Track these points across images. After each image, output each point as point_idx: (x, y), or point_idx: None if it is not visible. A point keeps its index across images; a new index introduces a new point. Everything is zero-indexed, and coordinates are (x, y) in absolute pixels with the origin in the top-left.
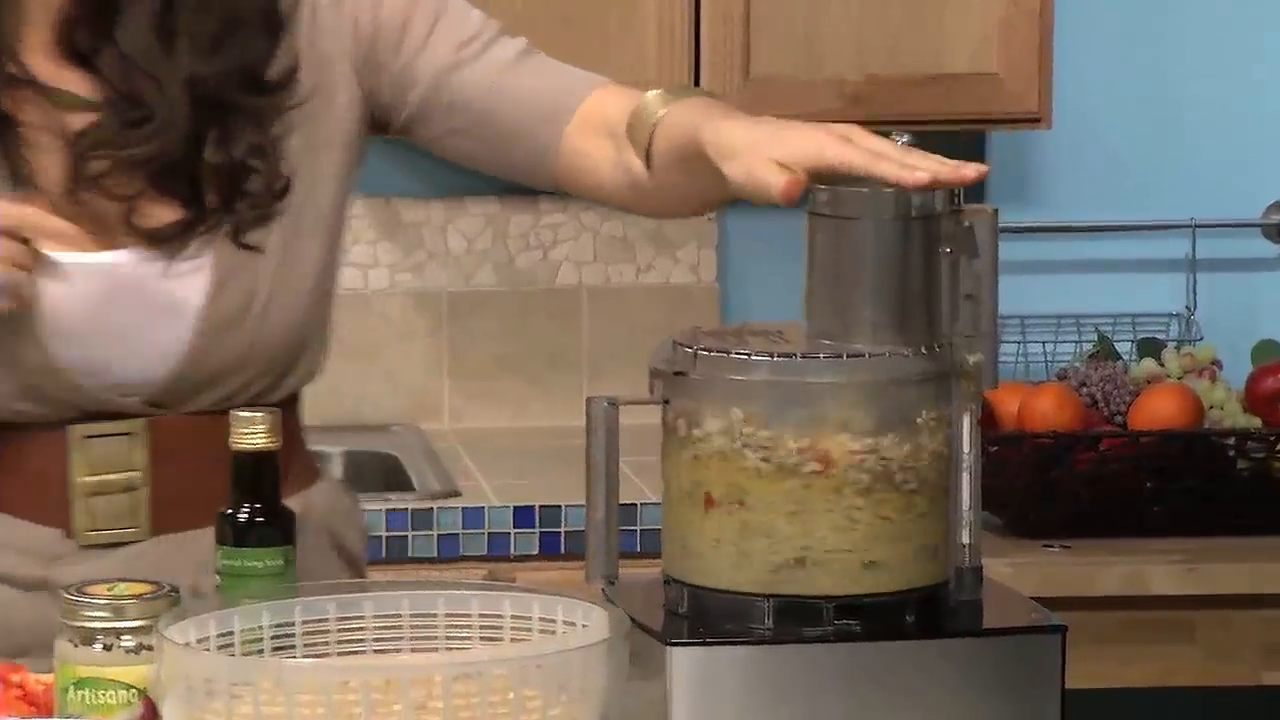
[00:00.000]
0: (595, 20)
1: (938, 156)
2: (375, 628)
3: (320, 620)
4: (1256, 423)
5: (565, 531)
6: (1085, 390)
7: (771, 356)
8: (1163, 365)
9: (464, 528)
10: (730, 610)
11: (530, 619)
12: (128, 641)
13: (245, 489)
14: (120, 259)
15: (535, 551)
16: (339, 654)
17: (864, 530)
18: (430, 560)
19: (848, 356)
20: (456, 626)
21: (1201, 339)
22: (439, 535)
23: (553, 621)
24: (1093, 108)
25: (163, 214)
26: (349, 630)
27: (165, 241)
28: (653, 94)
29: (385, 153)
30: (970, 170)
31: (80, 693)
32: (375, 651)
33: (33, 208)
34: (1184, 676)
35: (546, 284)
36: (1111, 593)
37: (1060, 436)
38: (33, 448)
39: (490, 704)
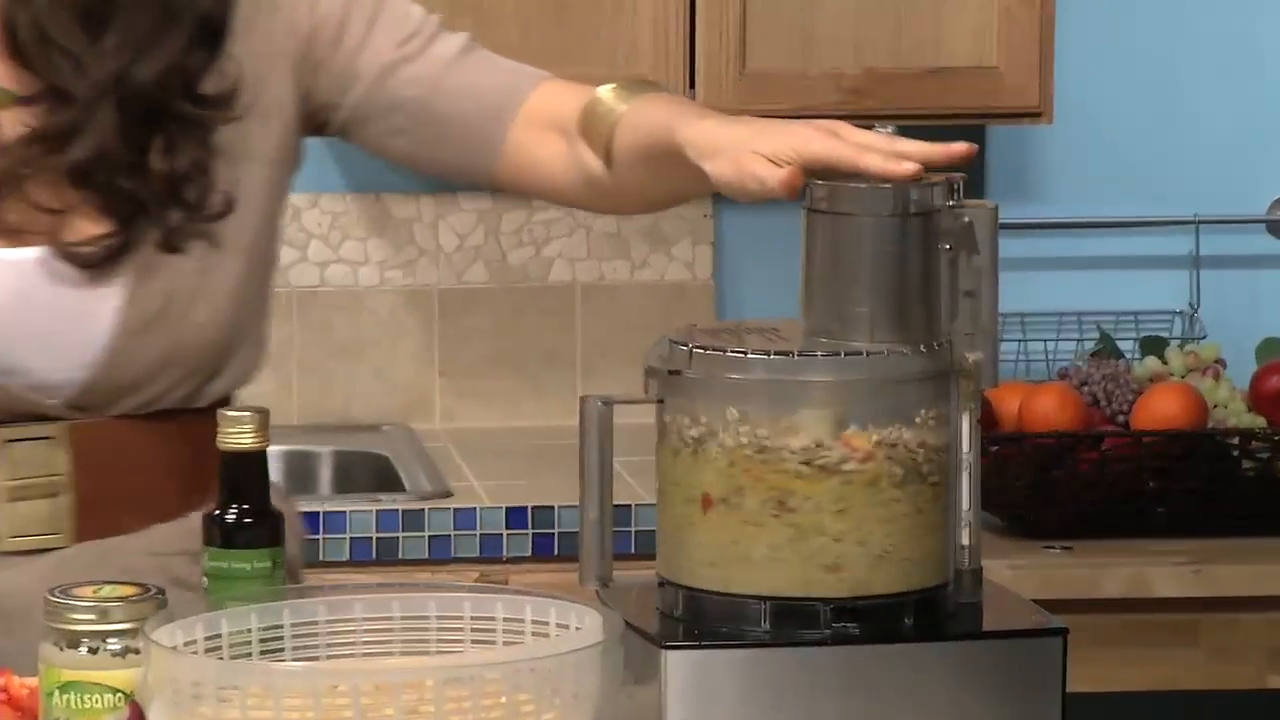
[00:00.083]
0: (589, 13)
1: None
2: (365, 630)
3: (309, 623)
4: (1261, 422)
5: (559, 533)
6: (1087, 389)
7: (768, 355)
8: (1166, 364)
9: (456, 529)
10: (726, 613)
11: (523, 622)
12: (114, 644)
13: (232, 490)
14: (36, 256)
15: (528, 553)
16: (328, 657)
17: (864, 530)
18: (422, 562)
19: (845, 355)
20: (448, 629)
21: (1205, 337)
22: (430, 537)
23: (546, 624)
24: (1095, 101)
25: (89, 227)
26: (339, 633)
27: (89, 266)
28: (606, 89)
29: None
30: (960, 146)
31: (65, 696)
32: (365, 655)
33: None
34: (1188, 680)
35: (539, 281)
36: (1114, 595)
37: (1062, 436)
38: None
39: (482, 708)
